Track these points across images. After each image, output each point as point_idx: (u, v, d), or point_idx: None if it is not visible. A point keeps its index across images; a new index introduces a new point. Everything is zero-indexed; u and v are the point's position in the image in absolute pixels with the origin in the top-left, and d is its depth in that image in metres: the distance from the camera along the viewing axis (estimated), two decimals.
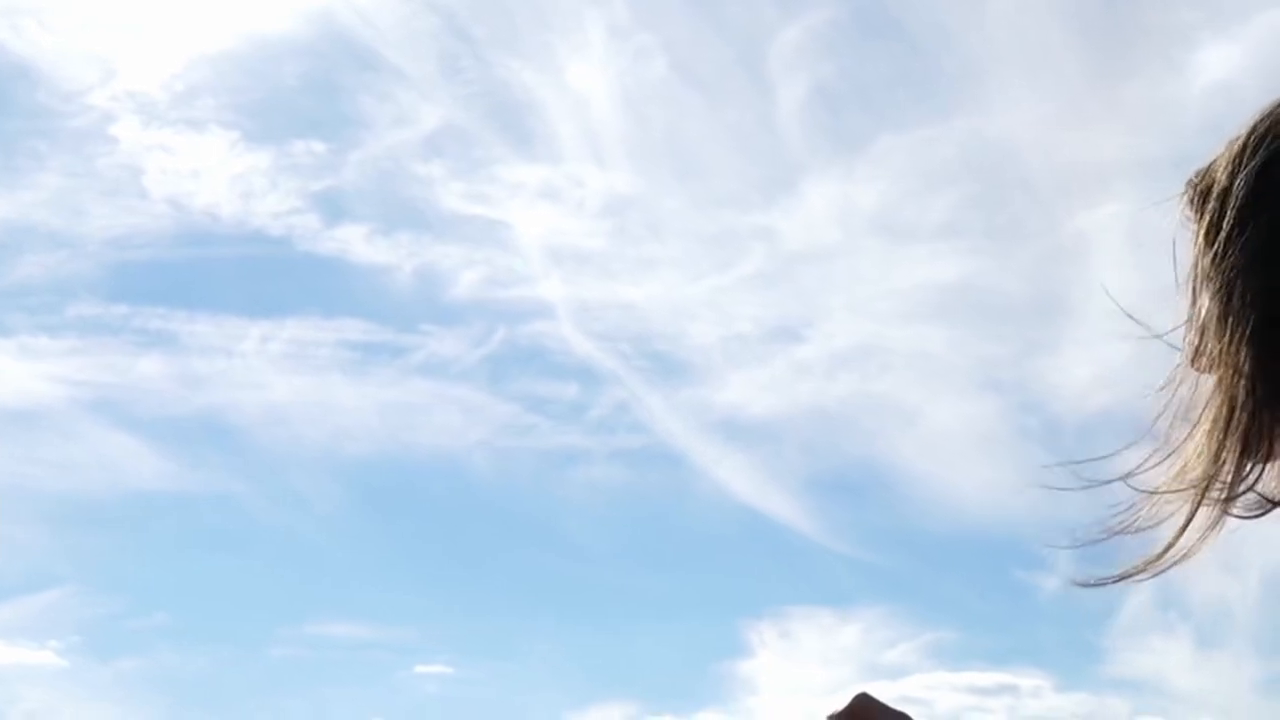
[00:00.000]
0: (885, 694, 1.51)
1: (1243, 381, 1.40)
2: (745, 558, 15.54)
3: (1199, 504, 1.43)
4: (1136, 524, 1.46)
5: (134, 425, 15.09)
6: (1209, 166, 1.48)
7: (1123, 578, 1.48)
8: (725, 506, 15.20)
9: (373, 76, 14.85)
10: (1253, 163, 1.43)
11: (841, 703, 1.50)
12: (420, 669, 14.77)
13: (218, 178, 14.56)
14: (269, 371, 14.95)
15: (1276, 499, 1.42)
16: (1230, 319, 1.41)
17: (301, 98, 15.08)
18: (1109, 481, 1.48)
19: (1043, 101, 14.06)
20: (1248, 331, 1.39)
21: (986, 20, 13.84)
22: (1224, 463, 1.41)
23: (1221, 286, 1.42)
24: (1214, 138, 1.50)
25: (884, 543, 14.97)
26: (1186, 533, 1.44)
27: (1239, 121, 1.48)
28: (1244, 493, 1.42)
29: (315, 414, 15.39)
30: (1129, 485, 1.47)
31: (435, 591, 15.71)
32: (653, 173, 15.37)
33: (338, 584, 15.58)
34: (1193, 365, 1.46)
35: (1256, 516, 1.44)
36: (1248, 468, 1.41)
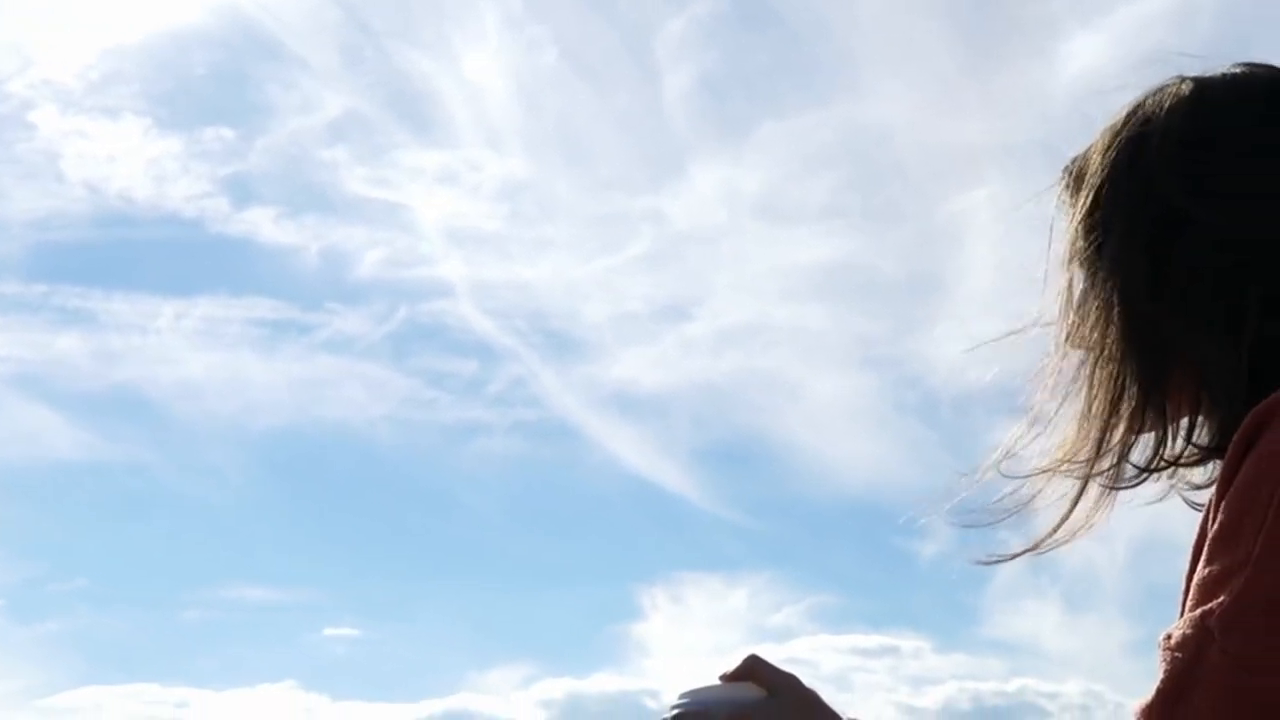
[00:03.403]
0: (773, 656, 1.51)
1: (1116, 359, 1.41)
2: (637, 526, 15.60)
3: (1087, 481, 1.44)
4: (1023, 502, 1.47)
5: (53, 399, 14.96)
6: (1084, 152, 1.49)
7: (1020, 554, 1.49)
8: (618, 477, 15.25)
9: (278, 66, 14.73)
10: (1123, 149, 1.44)
11: (732, 664, 1.50)
12: (329, 631, 14.73)
13: (132, 163, 14.45)
14: (182, 348, 14.84)
15: (1149, 466, 1.44)
16: (1104, 298, 1.41)
17: (211, 86, 14.96)
18: (990, 466, 1.49)
19: (917, 89, 14.16)
20: (1120, 310, 1.40)
21: (862, 11, 13.91)
22: (1106, 439, 1.42)
23: (1095, 268, 1.43)
24: (1081, 124, 1.50)
25: (769, 511, 15.09)
26: (1077, 509, 1.45)
27: (1105, 108, 1.49)
28: (1122, 467, 1.43)
29: (226, 388, 15.29)
30: (1003, 470, 1.48)
31: (342, 557, 15.66)
32: (546, 158, 15.35)
33: (249, 550, 15.51)
34: (1069, 343, 1.46)
35: (1132, 486, 1.45)
36: (1124, 443, 1.42)
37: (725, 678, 1.50)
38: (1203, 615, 1.24)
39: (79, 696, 14.03)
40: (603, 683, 14.14)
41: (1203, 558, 1.28)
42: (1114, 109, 1.48)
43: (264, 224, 14.54)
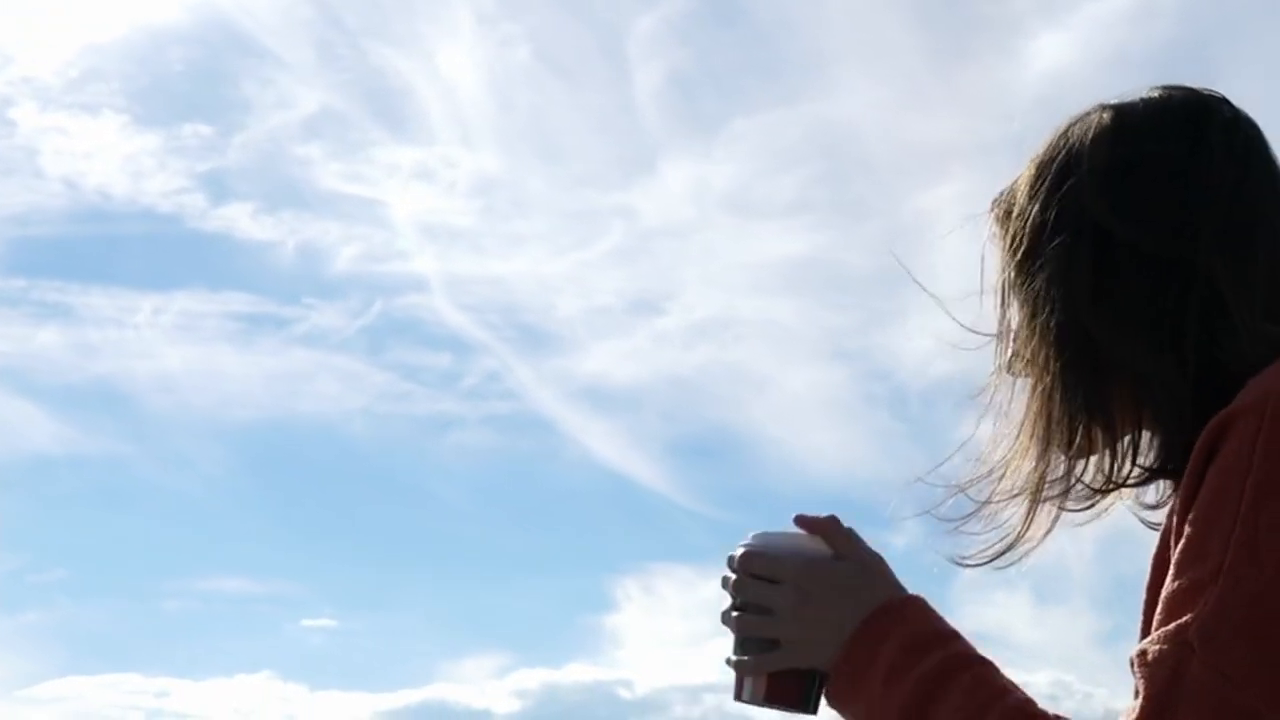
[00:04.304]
0: None
1: (1058, 384, 1.41)
2: (610, 517, 15.61)
3: (1035, 505, 1.45)
4: (983, 521, 1.49)
5: (32, 392, 14.93)
6: (1011, 186, 1.50)
7: (979, 565, 1.50)
8: (590, 469, 15.27)
9: (254, 63, 14.72)
10: (1051, 179, 1.45)
11: (817, 514, 1.51)
12: (306, 622, 14.72)
13: (110, 159, 14.42)
14: (160, 342, 14.81)
15: (1099, 488, 1.44)
16: (1037, 328, 1.42)
17: (188, 83, 14.93)
18: (946, 499, 1.51)
19: (884, 86, 14.19)
20: (1053, 339, 1.41)
21: (831, 9, 13.94)
22: (1047, 463, 1.43)
23: (1030, 296, 1.44)
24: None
25: (740, 503, 15.09)
26: (1031, 528, 1.46)
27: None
28: (1071, 488, 1.44)
29: (203, 382, 15.27)
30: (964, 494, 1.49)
31: (319, 549, 15.65)
32: (519, 154, 15.34)
33: (226, 542, 15.48)
34: (1010, 371, 1.47)
35: (1085, 508, 1.46)
36: (1070, 466, 1.43)
37: (801, 522, 1.52)
38: (1179, 629, 1.23)
39: (60, 686, 14.01)
40: (577, 672, 14.17)
41: (1171, 570, 1.27)
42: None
43: (241, 219, 14.54)
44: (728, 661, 1.52)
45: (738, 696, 1.53)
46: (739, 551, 1.51)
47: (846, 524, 1.51)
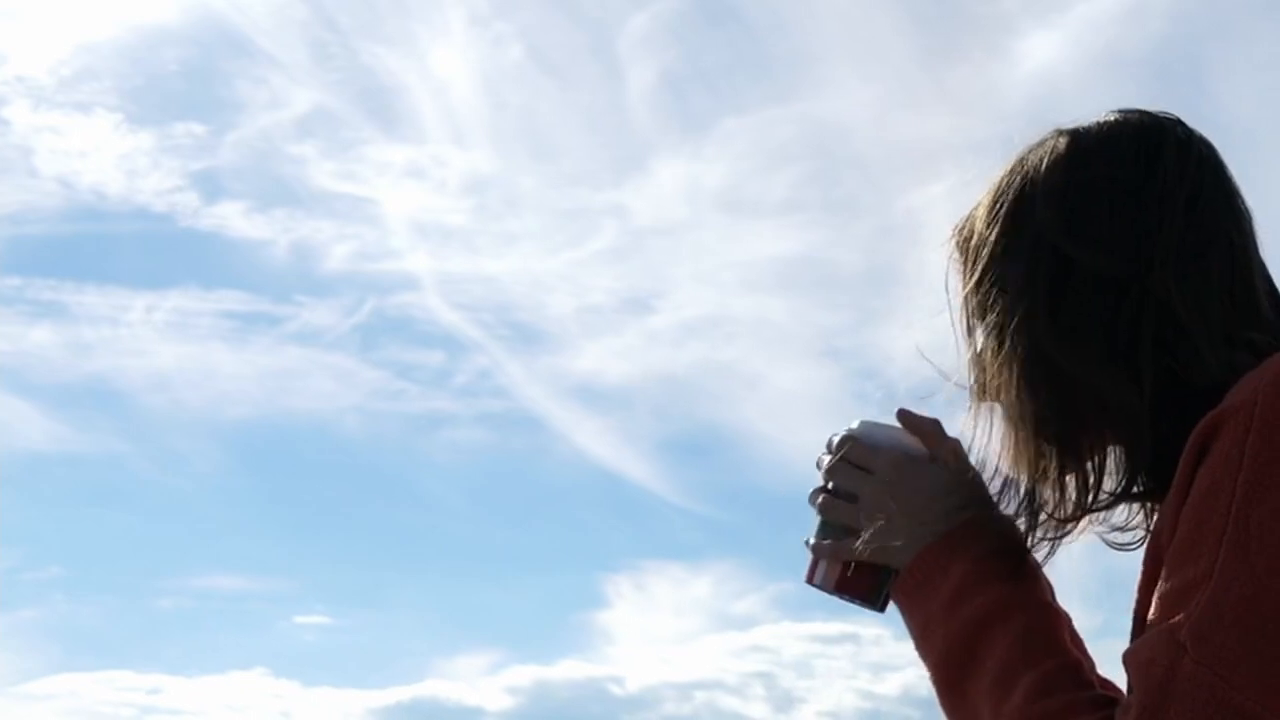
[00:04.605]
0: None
1: (1023, 408, 1.41)
2: (602, 515, 15.58)
3: (1030, 529, 1.44)
4: None
5: (27, 390, 14.90)
6: (971, 213, 1.50)
7: None
8: (582, 467, 15.24)
9: (247, 62, 14.67)
10: (1008, 204, 1.45)
11: (922, 413, 1.52)
12: (299, 619, 14.68)
13: (104, 158, 14.39)
14: (153, 340, 14.77)
15: (1066, 516, 1.43)
16: (1003, 356, 1.42)
17: (181, 82, 14.88)
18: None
19: (874, 85, 14.19)
20: (1014, 365, 1.41)
21: (821, 8, 13.92)
22: (1017, 489, 1.44)
23: (992, 322, 1.44)
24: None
25: (731, 500, 15.09)
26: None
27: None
28: (1038, 515, 1.44)
29: (197, 379, 15.23)
30: None
31: (312, 547, 15.62)
32: (511, 153, 15.31)
33: (220, 539, 15.45)
34: (978, 398, 1.47)
35: (1053, 538, 1.44)
36: (1038, 492, 1.43)
37: (903, 417, 1.52)
38: (1172, 628, 1.23)
39: (54, 683, 13.97)
40: (569, 669, 14.14)
41: (1164, 569, 1.27)
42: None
43: (234, 218, 14.48)
44: (806, 543, 1.52)
45: (809, 580, 1.52)
46: (839, 435, 1.52)
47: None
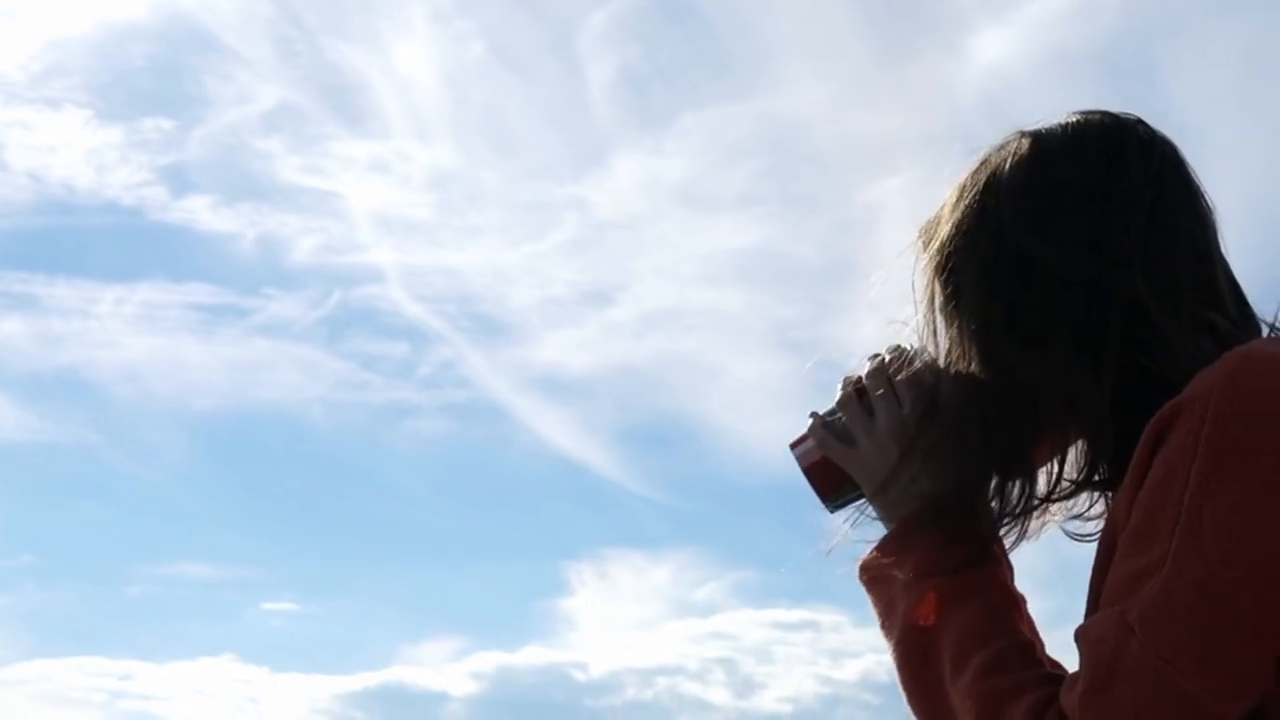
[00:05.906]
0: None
1: (986, 404, 1.42)
2: (564, 504, 15.59)
3: (997, 517, 1.45)
4: None
5: None
6: (935, 213, 1.51)
7: None
8: (545, 456, 15.23)
9: (214, 59, 14.60)
10: (971, 204, 1.46)
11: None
12: (267, 606, 14.64)
13: (74, 152, 14.30)
14: (123, 332, 14.69)
15: (1024, 508, 1.44)
16: (966, 346, 1.43)
17: (149, 78, 14.81)
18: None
19: (831, 81, 14.20)
20: (981, 356, 1.42)
21: (777, 6, 13.91)
22: (979, 483, 1.44)
23: (955, 319, 1.45)
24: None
25: (691, 490, 15.10)
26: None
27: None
28: (1003, 508, 1.45)
29: (166, 371, 15.18)
30: None
31: (280, 534, 15.59)
32: (473, 148, 15.28)
33: (189, 527, 15.40)
34: (944, 389, 1.47)
35: (1012, 527, 1.46)
36: (1001, 487, 1.44)
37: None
38: (1123, 610, 1.24)
39: (27, 669, 13.90)
40: (532, 655, 14.13)
41: (1118, 553, 1.28)
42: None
43: (201, 212, 14.42)
44: (812, 414, 1.56)
45: (793, 445, 1.57)
46: (898, 352, 1.52)
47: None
